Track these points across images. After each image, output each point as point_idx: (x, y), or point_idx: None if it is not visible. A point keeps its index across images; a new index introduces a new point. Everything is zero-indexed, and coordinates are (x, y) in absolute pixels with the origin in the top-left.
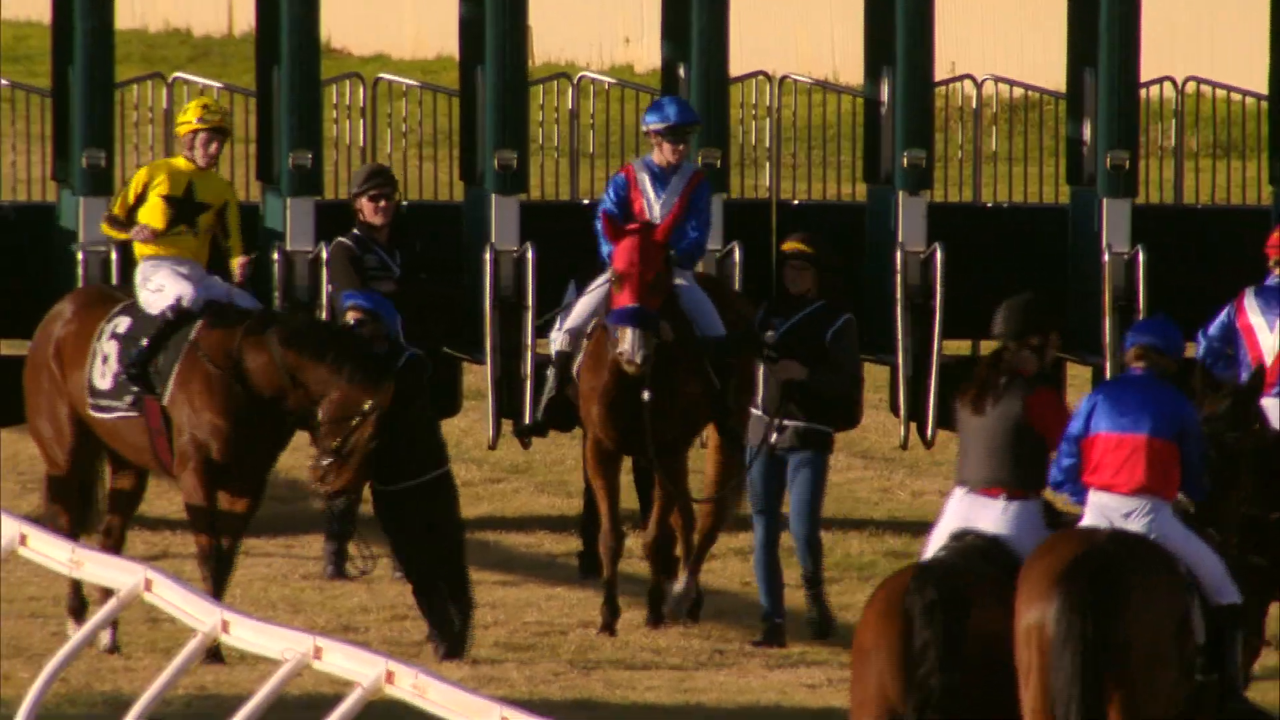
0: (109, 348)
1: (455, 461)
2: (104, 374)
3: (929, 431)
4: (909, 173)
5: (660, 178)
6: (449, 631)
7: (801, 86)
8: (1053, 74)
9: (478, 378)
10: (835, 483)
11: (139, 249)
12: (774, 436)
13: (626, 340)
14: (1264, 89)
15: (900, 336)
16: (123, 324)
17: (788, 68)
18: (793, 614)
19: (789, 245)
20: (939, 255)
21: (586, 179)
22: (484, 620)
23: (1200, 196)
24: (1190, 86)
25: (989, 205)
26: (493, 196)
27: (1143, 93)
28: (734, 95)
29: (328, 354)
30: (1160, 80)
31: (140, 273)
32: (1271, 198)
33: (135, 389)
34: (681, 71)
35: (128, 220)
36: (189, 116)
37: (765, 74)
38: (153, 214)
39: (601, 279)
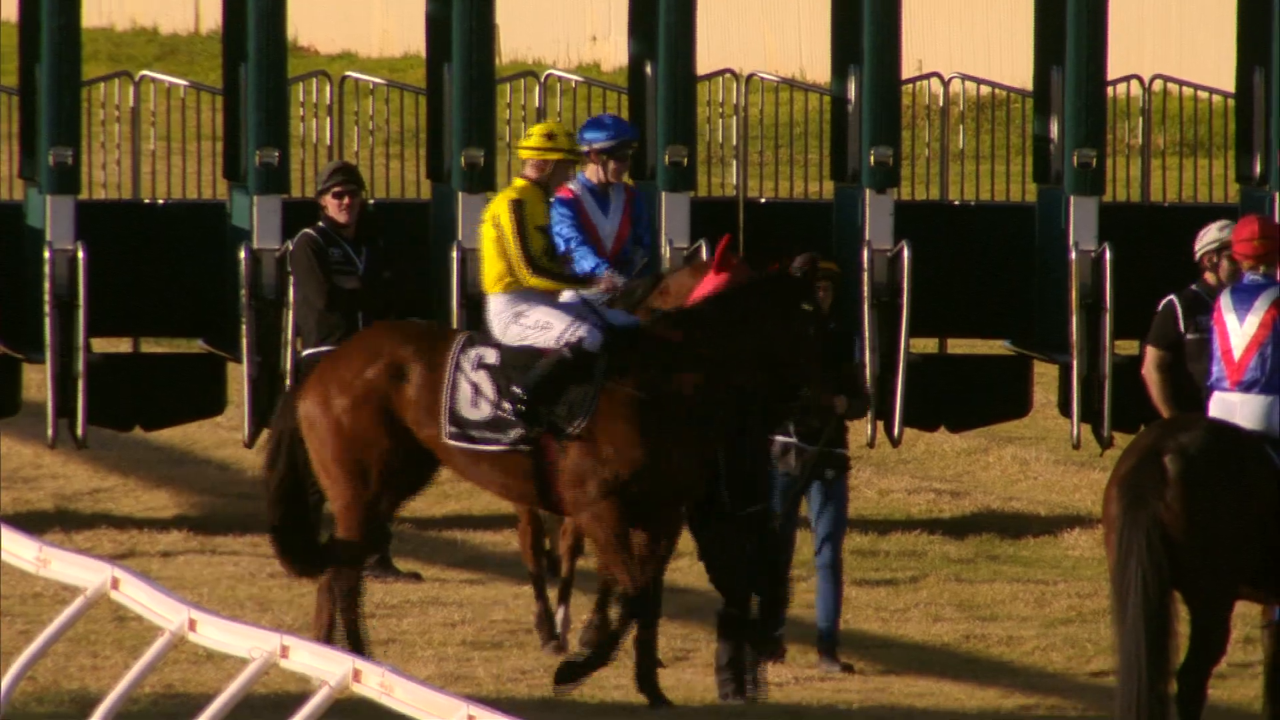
0: (478, 378)
1: None
2: (476, 404)
3: (895, 430)
4: (876, 171)
5: (600, 197)
6: (738, 666)
7: (769, 85)
8: (1020, 72)
9: None
10: None
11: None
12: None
13: None
14: (1231, 87)
15: (867, 334)
16: (490, 355)
17: (755, 66)
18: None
19: (824, 265)
20: (906, 253)
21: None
22: (451, 619)
23: (1167, 194)
24: (1157, 84)
25: (956, 203)
26: (460, 194)
27: (1110, 91)
28: (701, 93)
29: None
30: (1127, 78)
31: (503, 304)
32: (1238, 195)
33: (526, 427)
34: (649, 69)
35: (550, 261)
36: (560, 143)
37: (733, 72)
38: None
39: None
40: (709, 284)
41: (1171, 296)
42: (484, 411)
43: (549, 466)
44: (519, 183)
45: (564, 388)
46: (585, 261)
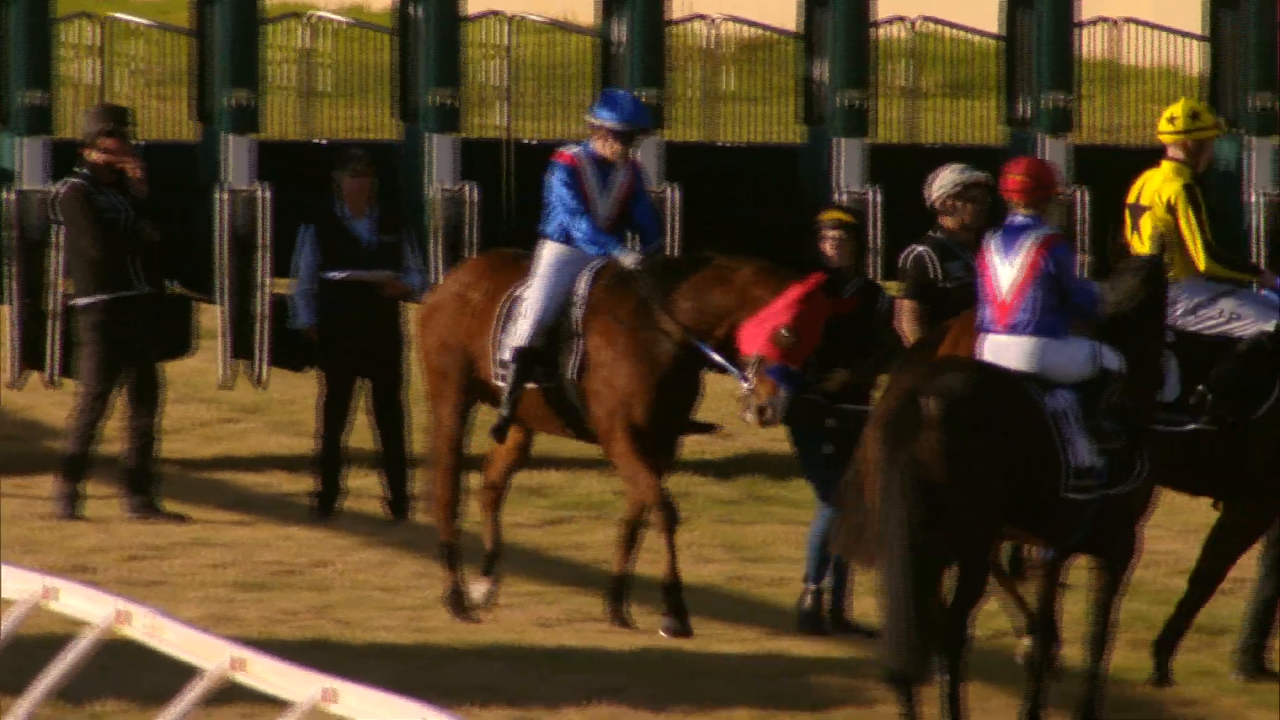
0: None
1: (188, 401)
2: None
3: None
4: None
5: (603, 170)
6: None
7: (536, 26)
8: (786, 14)
9: (211, 317)
10: None
11: None
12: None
13: (779, 403)
14: (997, 28)
15: None
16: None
17: (521, 7)
18: (517, 554)
19: (829, 215)
20: (675, 195)
21: (320, 119)
22: (218, 560)
23: (934, 136)
24: (923, 26)
25: (723, 144)
26: (227, 136)
27: (876, 32)
28: (468, 34)
29: None
30: (893, 20)
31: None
32: (1004, 137)
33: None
34: (415, 11)
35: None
36: (1205, 121)
37: (499, 13)
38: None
39: (550, 261)
40: (790, 306)
41: (918, 247)
42: None
43: None
44: (1170, 166)
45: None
46: (585, 232)
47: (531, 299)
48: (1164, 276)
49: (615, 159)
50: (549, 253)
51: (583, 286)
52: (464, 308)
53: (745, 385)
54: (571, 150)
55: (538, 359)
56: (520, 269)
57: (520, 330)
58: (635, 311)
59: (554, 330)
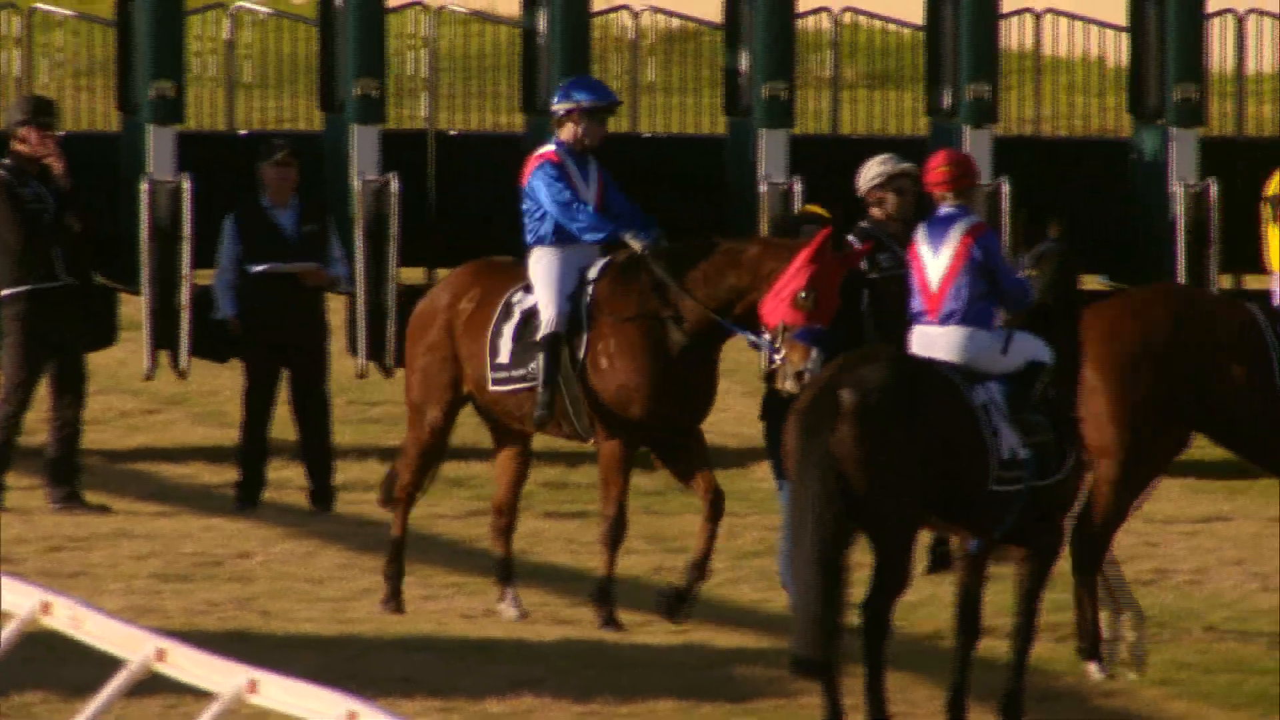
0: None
1: (112, 392)
2: None
3: None
4: None
5: (579, 163)
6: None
7: (459, 17)
8: (710, 5)
9: (134, 308)
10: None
11: None
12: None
13: (815, 364)
14: (920, 20)
15: None
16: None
17: None
18: (437, 547)
19: (808, 209)
20: None
21: (243, 110)
22: (140, 551)
23: (857, 127)
24: (847, 17)
25: (646, 135)
26: (150, 127)
27: (799, 23)
28: (391, 25)
29: None
30: (817, 11)
31: None
32: (928, 128)
33: None
34: (339, 1)
35: None
36: None
37: (422, 4)
38: None
39: (550, 262)
40: (802, 268)
41: (846, 238)
42: None
43: None
44: None
45: None
46: (588, 218)
47: (544, 296)
48: (1077, 266)
49: (592, 141)
50: (546, 255)
51: (592, 278)
52: (454, 314)
53: (777, 358)
54: (548, 148)
55: (562, 345)
56: (513, 276)
57: (544, 319)
58: (642, 301)
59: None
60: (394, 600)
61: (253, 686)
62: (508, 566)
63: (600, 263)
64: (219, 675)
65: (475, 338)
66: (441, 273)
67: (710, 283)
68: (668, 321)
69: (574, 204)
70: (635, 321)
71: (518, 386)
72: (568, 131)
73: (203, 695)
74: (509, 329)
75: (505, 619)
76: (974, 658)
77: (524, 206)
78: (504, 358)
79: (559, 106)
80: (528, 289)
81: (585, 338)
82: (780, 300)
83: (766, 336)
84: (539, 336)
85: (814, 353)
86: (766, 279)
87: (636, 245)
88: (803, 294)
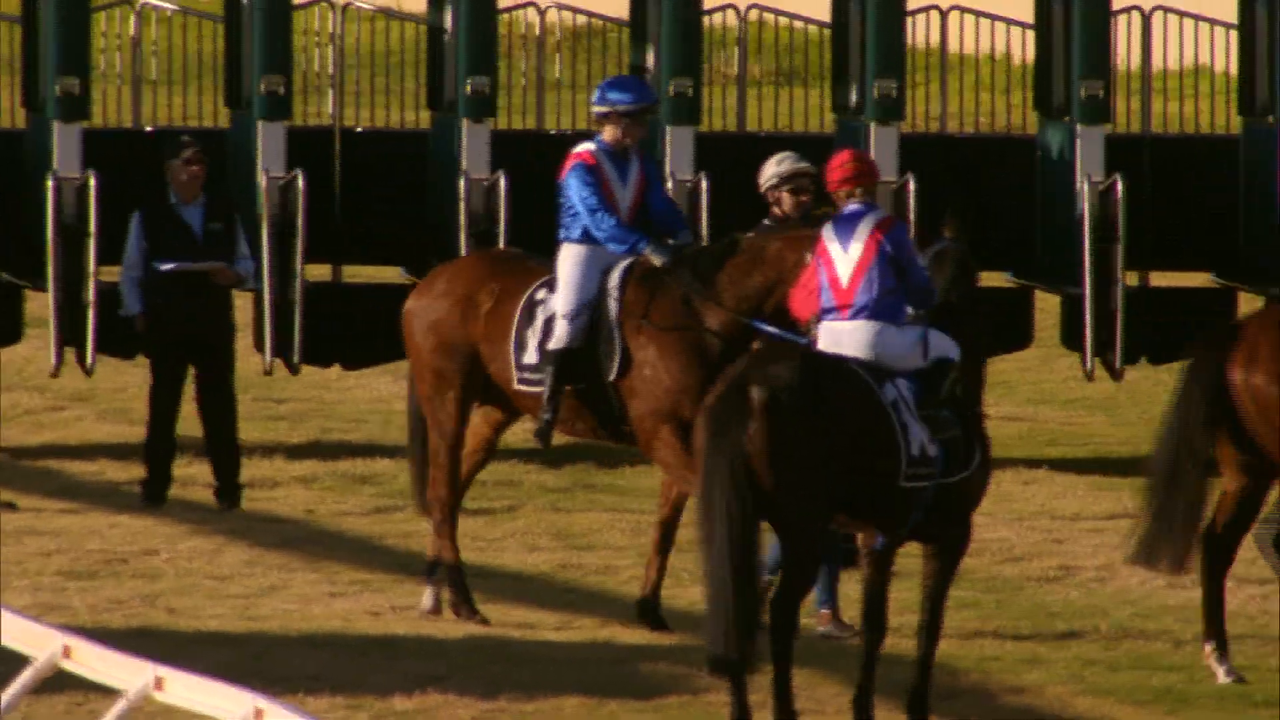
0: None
1: (17, 389)
2: None
3: None
4: (473, 100)
5: (617, 161)
6: None
7: (364, 14)
8: (616, 2)
9: (40, 305)
10: (398, 410)
11: None
12: None
13: None
14: (826, 17)
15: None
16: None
17: None
18: (354, 546)
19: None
20: (503, 183)
21: (149, 107)
22: (46, 548)
23: (763, 124)
24: (753, 14)
25: (554, 133)
26: (55, 124)
27: (706, 20)
28: (297, 22)
29: None
30: (723, 8)
31: None
32: (834, 125)
33: None
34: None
35: None
36: None
37: (328, 1)
38: None
39: (576, 262)
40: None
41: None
42: None
43: None
44: None
45: None
46: (610, 229)
47: (563, 301)
48: (974, 264)
49: (631, 143)
50: (572, 254)
51: (614, 284)
52: (471, 310)
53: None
54: (586, 147)
55: (577, 360)
56: (531, 271)
57: (558, 332)
58: (673, 310)
59: (589, 330)
60: (467, 606)
61: (159, 684)
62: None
63: (622, 266)
64: (125, 672)
65: (501, 333)
66: (347, 269)
67: (737, 285)
68: (700, 328)
69: (599, 212)
70: (673, 331)
71: (543, 388)
72: (609, 133)
73: (109, 693)
74: (534, 329)
75: (424, 603)
76: (880, 655)
77: (560, 201)
78: (530, 357)
79: (598, 109)
80: (550, 286)
81: (618, 346)
82: (809, 292)
83: (804, 328)
84: (550, 347)
85: None
86: (792, 272)
87: (656, 261)
88: None
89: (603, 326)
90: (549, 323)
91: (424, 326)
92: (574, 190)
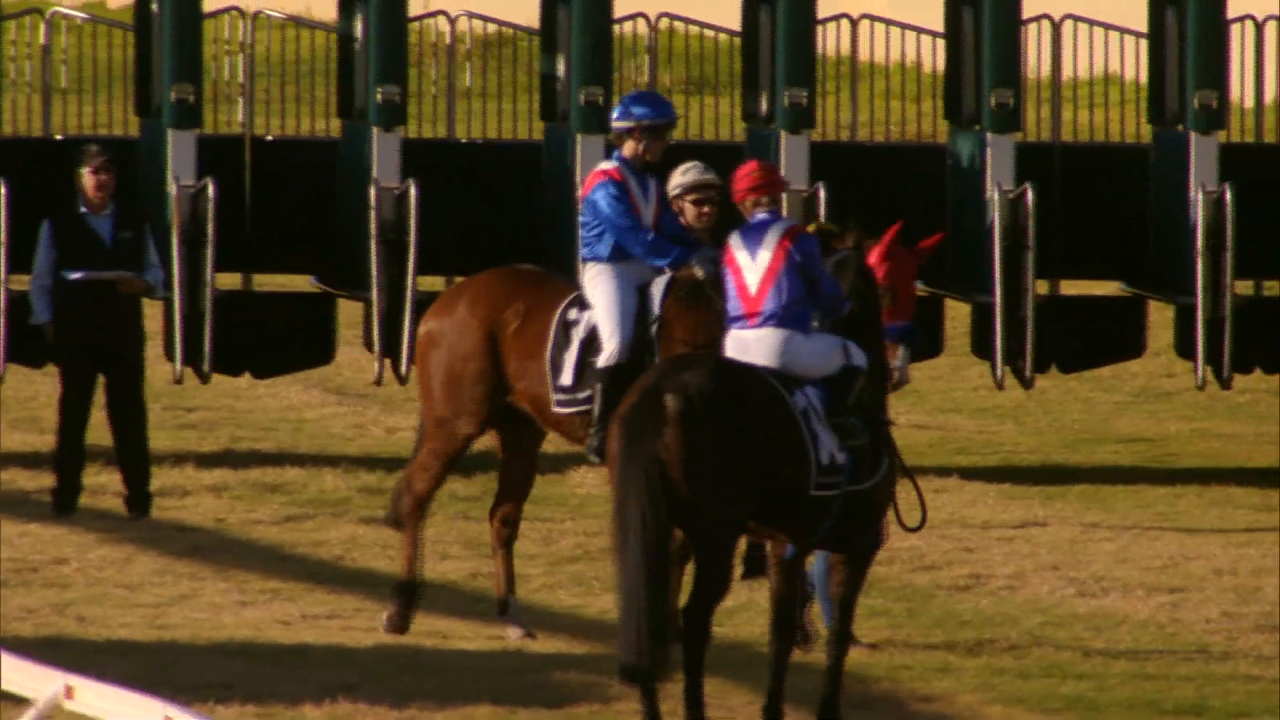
0: None
1: None
2: None
3: (403, 368)
4: (384, 108)
5: (639, 176)
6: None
7: (275, 22)
8: (526, 10)
9: None
10: (309, 419)
11: None
12: None
13: (903, 360)
14: (736, 25)
15: (375, 273)
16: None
17: (261, 3)
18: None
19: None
20: (414, 191)
21: (59, 115)
22: None
23: (674, 133)
24: (664, 23)
25: (464, 141)
26: None
27: (617, 28)
28: (208, 30)
29: None
30: (634, 16)
31: None
32: (744, 134)
33: None
34: (155, 6)
35: None
36: None
37: (239, 9)
38: None
39: (611, 280)
40: (876, 267)
41: None
42: None
43: None
44: None
45: None
46: (649, 243)
47: (605, 319)
48: (870, 270)
49: (653, 158)
50: (604, 273)
51: (656, 301)
52: (497, 326)
53: None
54: (609, 164)
55: (624, 377)
56: (558, 290)
57: (605, 350)
58: (714, 326)
59: (634, 346)
60: (401, 619)
61: (69, 692)
62: (510, 581)
63: (662, 281)
64: (35, 681)
65: (531, 355)
66: (258, 278)
67: None
68: None
69: (636, 229)
70: (713, 347)
71: (583, 409)
72: (629, 148)
73: (19, 701)
74: (571, 350)
75: (512, 637)
76: (790, 663)
77: (581, 219)
78: (567, 379)
79: (620, 124)
80: (580, 304)
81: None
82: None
83: None
84: (600, 365)
85: (901, 350)
86: None
87: (700, 273)
88: (880, 291)
89: (645, 343)
90: (586, 343)
91: (445, 349)
92: (604, 206)
